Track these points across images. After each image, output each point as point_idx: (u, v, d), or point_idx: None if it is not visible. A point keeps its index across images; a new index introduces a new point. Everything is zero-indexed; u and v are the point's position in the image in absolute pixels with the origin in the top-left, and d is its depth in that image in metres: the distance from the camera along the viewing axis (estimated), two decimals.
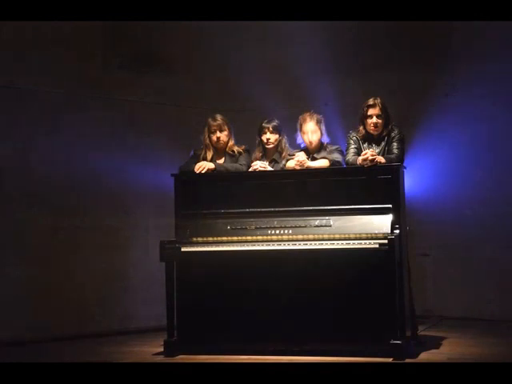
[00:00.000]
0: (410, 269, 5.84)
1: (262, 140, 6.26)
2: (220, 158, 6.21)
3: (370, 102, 5.92)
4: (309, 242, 5.48)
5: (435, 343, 6.01)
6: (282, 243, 5.53)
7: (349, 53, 7.63)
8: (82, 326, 6.89)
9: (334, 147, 6.11)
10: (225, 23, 7.10)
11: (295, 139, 6.24)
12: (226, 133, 6.19)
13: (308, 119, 6.07)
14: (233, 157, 6.20)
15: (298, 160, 5.91)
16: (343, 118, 6.83)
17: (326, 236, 5.48)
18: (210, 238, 5.69)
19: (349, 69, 7.59)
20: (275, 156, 6.23)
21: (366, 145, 5.99)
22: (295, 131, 6.20)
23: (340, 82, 7.43)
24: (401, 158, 5.84)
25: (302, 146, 6.19)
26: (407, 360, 5.23)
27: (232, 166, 6.09)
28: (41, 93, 6.94)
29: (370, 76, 7.47)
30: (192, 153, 6.28)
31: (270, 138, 6.21)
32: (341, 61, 7.61)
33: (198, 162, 6.06)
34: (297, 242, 5.50)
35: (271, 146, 6.23)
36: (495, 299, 7.22)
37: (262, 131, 6.25)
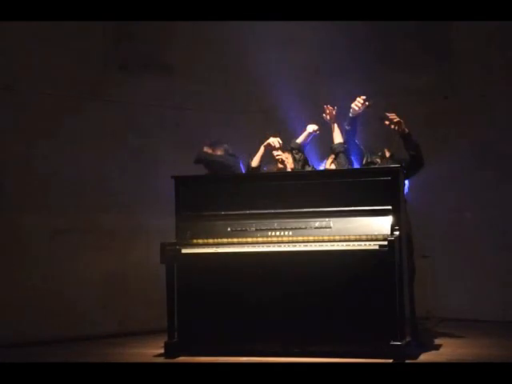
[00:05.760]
0: (410, 269, 5.84)
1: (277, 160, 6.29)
2: None
3: None
4: (309, 244, 5.48)
5: (435, 344, 6.01)
6: (282, 245, 5.53)
7: (349, 54, 7.63)
8: (82, 328, 6.89)
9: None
10: (226, 24, 7.11)
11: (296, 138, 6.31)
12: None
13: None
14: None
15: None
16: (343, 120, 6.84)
17: (326, 238, 5.48)
18: (211, 240, 5.69)
19: (349, 70, 7.59)
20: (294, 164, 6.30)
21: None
22: (295, 131, 6.24)
23: (340, 83, 7.43)
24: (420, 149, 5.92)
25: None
26: (407, 361, 5.24)
27: (227, 160, 6.17)
28: (41, 94, 6.95)
29: (370, 77, 7.48)
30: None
31: (281, 155, 6.21)
32: (341, 62, 7.61)
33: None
34: (297, 244, 5.50)
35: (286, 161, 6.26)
36: (495, 300, 7.22)
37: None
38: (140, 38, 7.53)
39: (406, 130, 5.81)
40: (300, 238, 5.52)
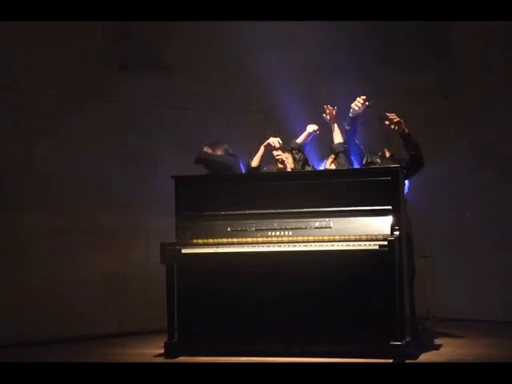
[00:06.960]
0: (410, 269, 5.84)
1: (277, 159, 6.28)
2: None
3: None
4: (309, 244, 5.47)
5: (435, 344, 6.01)
6: (282, 245, 5.53)
7: (349, 54, 7.63)
8: (82, 328, 6.88)
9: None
10: (226, 24, 7.11)
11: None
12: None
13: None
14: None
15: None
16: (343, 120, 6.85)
17: (326, 238, 5.47)
18: (211, 240, 5.69)
19: (349, 70, 7.59)
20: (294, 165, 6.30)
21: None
22: (295, 131, 6.24)
23: (340, 83, 7.43)
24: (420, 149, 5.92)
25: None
26: (407, 361, 5.23)
27: (227, 160, 6.18)
28: (41, 94, 6.94)
29: (370, 77, 7.47)
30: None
31: (281, 155, 6.21)
32: (341, 62, 7.61)
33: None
34: (297, 244, 5.50)
35: (286, 161, 6.26)
36: (495, 300, 7.22)
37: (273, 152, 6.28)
38: (140, 38, 7.53)
39: (406, 130, 5.82)
40: (300, 238, 5.52)
